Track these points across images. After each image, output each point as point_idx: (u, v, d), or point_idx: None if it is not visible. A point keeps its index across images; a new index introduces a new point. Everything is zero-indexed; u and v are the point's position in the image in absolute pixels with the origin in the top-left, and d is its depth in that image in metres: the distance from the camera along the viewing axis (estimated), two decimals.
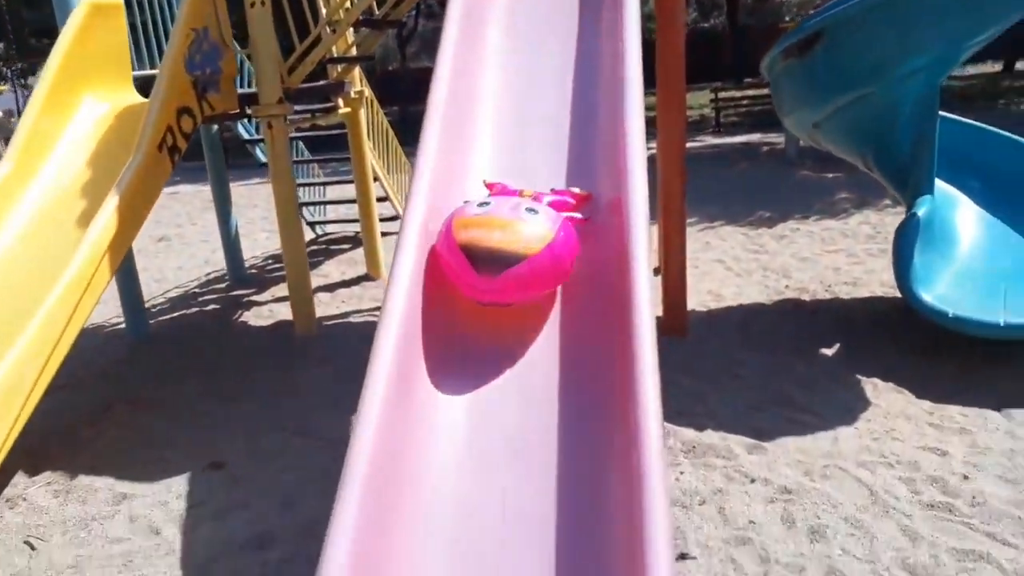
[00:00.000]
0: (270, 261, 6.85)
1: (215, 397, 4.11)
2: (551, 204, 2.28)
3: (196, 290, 6.12)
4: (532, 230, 2.05)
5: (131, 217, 3.46)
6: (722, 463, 3.16)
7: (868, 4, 3.60)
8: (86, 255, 3.16)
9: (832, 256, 5.85)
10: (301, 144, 6.98)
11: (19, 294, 3.19)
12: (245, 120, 6.04)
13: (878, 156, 4.31)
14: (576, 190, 2.46)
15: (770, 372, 3.96)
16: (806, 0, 34.27)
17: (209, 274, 6.55)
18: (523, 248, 2.03)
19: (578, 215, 2.31)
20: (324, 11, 4.72)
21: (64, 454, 3.52)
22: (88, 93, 4.12)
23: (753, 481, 3.02)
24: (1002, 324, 3.61)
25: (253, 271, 6.44)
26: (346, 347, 4.72)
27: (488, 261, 2.03)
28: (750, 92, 15.01)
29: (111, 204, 3.36)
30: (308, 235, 7.46)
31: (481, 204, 2.16)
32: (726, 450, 3.25)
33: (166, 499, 3.15)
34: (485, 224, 2.06)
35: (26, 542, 2.90)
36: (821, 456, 3.17)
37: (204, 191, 10.56)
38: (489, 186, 2.48)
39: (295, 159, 6.58)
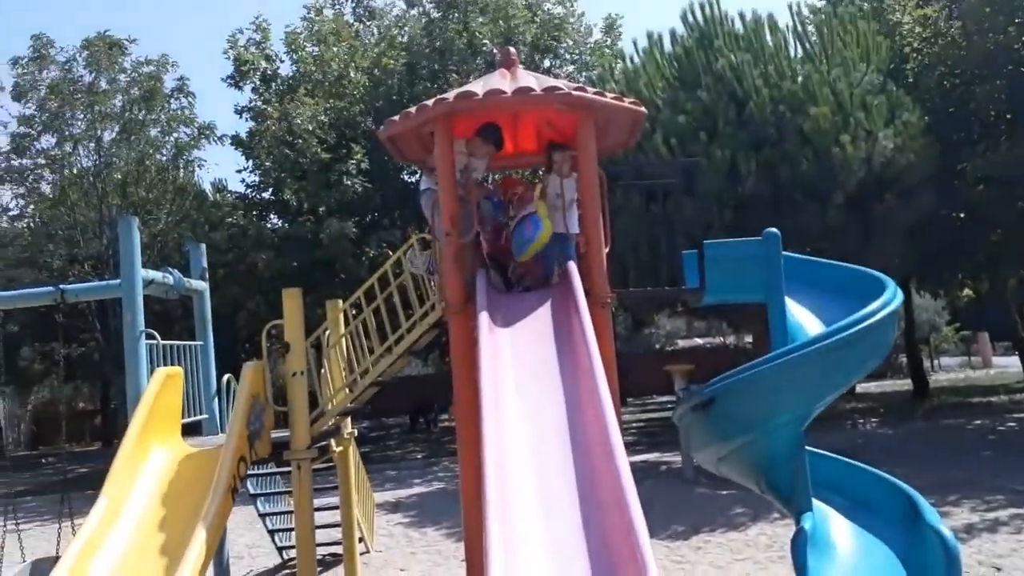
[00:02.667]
0: None
1: None
2: None
3: None
4: None
5: (211, 548, 4.27)
6: None
7: (744, 380, 5.24)
8: None
9: (741, 564, 7.01)
10: (279, 477, 7.83)
11: None
12: None
13: (768, 483, 5.73)
14: None
15: None
16: (673, 331, 39.05)
17: None
18: None
19: None
20: (329, 391, 6.02)
21: None
22: (156, 443, 5.06)
23: None
24: None
25: None
26: None
27: None
28: (641, 415, 16.96)
29: (200, 537, 4.19)
30: (275, 559, 7.99)
31: None
32: None
33: None
34: None
35: None
36: None
37: None
38: None
39: (271, 491, 7.41)
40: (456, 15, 20.00)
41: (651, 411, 23.32)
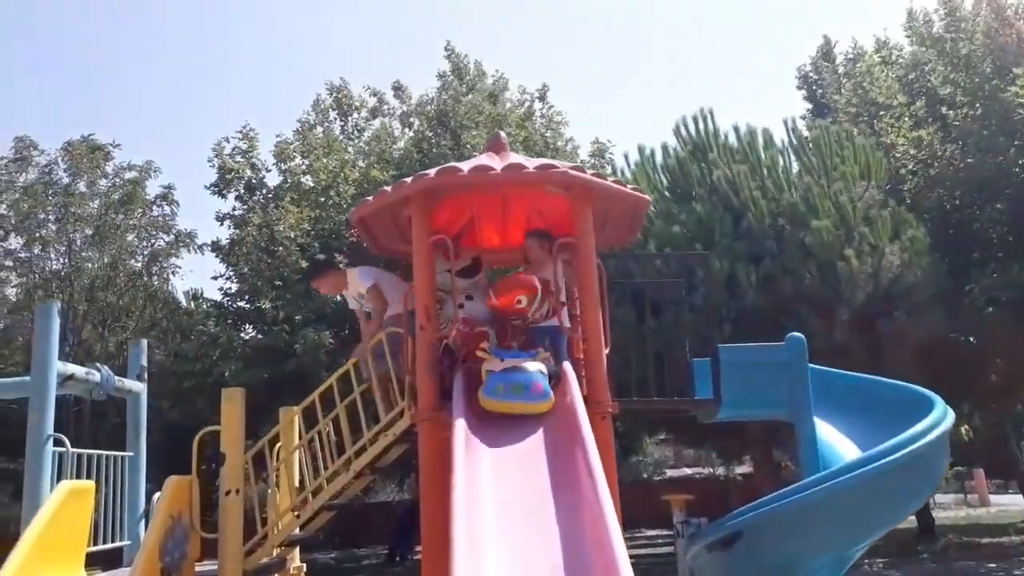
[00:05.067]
0: None
1: None
2: None
3: None
4: None
5: None
6: None
7: (777, 511, 4.35)
8: None
9: None
10: None
11: None
12: None
13: None
14: None
15: None
16: (661, 460, 37.70)
17: None
18: None
19: None
20: (274, 514, 5.06)
21: None
22: (48, 573, 4.06)
23: None
24: None
25: None
26: None
27: None
28: (630, 551, 15.56)
29: None
30: None
31: None
32: None
33: None
34: None
35: None
36: None
37: None
38: None
39: None
40: (447, 132, 20.05)
41: (640, 545, 21.75)
